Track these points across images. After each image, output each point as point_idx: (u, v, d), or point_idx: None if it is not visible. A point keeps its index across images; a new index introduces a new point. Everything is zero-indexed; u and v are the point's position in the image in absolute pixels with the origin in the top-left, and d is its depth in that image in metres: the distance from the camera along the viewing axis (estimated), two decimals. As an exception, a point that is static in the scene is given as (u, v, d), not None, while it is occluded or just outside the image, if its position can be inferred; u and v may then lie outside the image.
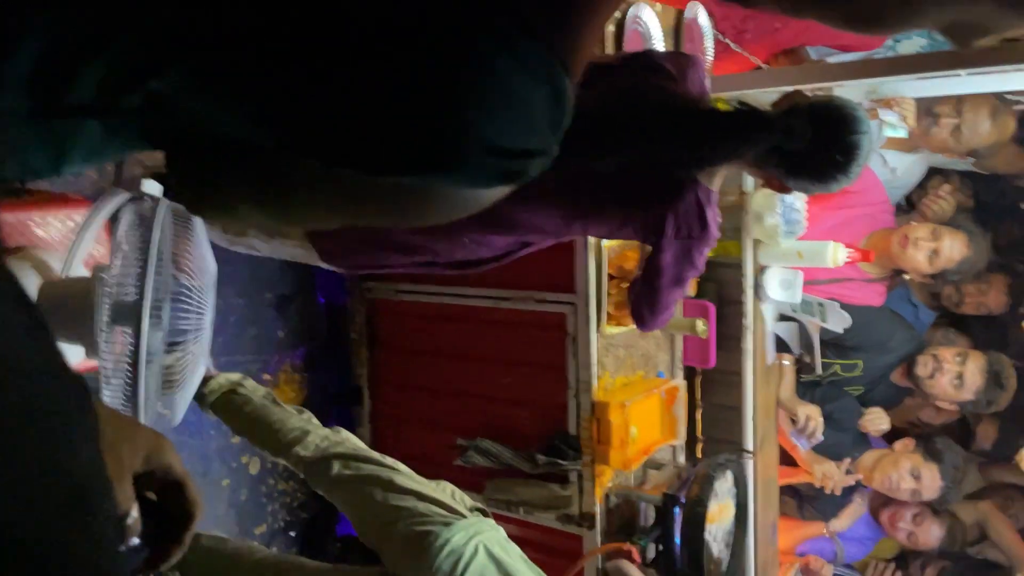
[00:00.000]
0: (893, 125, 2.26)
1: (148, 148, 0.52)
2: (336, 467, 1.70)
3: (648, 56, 1.64)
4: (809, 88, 2.24)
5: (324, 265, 1.91)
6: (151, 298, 1.21)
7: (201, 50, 0.43)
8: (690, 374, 2.66)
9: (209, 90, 0.45)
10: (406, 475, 1.69)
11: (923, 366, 2.52)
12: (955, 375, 2.47)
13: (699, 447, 2.75)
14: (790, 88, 2.10)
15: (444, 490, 1.69)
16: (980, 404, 2.50)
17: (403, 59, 0.43)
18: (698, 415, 2.73)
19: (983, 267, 2.52)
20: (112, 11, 0.43)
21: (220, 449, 2.48)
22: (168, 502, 0.62)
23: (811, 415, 2.56)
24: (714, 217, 1.54)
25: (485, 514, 1.65)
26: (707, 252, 1.58)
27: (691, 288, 2.40)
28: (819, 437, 2.56)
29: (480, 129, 0.44)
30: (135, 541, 0.59)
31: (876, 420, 2.67)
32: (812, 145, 1.36)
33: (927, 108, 2.48)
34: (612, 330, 2.16)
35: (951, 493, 2.55)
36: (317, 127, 0.44)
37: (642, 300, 1.64)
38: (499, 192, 0.50)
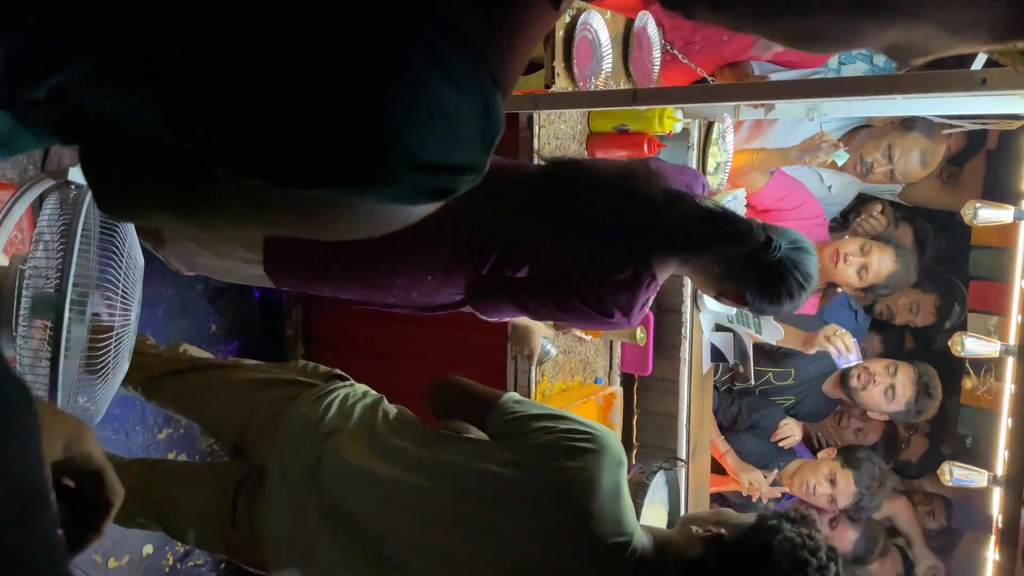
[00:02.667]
0: (838, 159, 2.38)
1: (58, 142, 0.49)
2: (174, 383, 1.68)
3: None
4: (751, 105, 2.29)
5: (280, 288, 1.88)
6: (73, 290, 1.15)
7: (103, 45, 0.40)
8: (627, 381, 2.68)
9: (112, 87, 0.42)
10: (242, 368, 1.69)
11: (856, 378, 2.61)
12: (887, 386, 2.57)
13: (634, 453, 2.79)
14: (733, 104, 2.16)
15: (296, 367, 1.67)
16: (911, 414, 2.61)
17: (323, 65, 0.40)
18: (634, 421, 2.76)
19: (911, 281, 2.62)
20: (7, 3, 0.40)
21: (145, 444, 2.39)
22: (87, 490, 0.60)
23: (753, 482, 2.68)
24: (639, 309, 1.53)
25: (343, 379, 1.63)
26: (602, 326, 1.57)
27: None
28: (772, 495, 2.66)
29: (404, 142, 0.42)
30: None
31: (787, 431, 2.75)
32: (778, 264, 1.42)
33: (859, 158, 2.58)
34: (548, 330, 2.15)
35: (866, 501, 2.62)
36: (226, 132, 0.41)
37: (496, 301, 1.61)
38: (427, 208, 0.48)
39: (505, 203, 1.50)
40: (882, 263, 2.51)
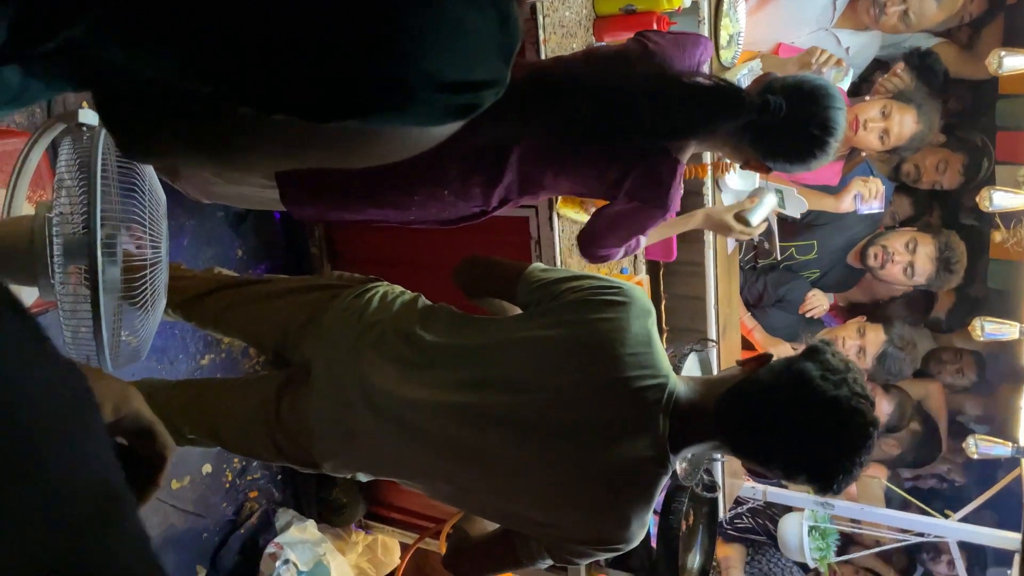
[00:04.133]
0: (842, 76, 2.28)
1: (73, 89, 0.49)
2: (212, 302, 1.72)
3: (647, 34, 1.63)
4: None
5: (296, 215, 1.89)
6: (102, 231, 1.17)
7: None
8: (654, 268, 2.70)
9: (124, 38, 0.41)
10: (278, 280, 1.74)
11: (873, 257, 2.60)
12: (906, 263, 2.55)
13: (664, 337, 2.83)
14: None
15: (331, 275, 1.73)
16: (932, 286, 2.59)
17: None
18: (662, 307, 2.79)
19: (935, 140, 2.56)
20: None
21: (190, 371, 2.47)
22: (139, 448, 0.63)
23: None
24: (678, 192, 1.57)
25: (379, 281, 1.67)
26: (659, 221, 1.61)
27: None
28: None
29: (425, 64, 0.41)
30: None
31: (815, 301, 2.75)
32: (787, 121, 1.39)
33: None
34: (569, 212, 2.15)
35: (895, 358, 2.64)
36: (248, 72, 0.41)
37: (589, 236, 1.72)
38: (452, 127, 0.48)
39: (503, 111, 1.49)
40: (904, 124, 2.44)
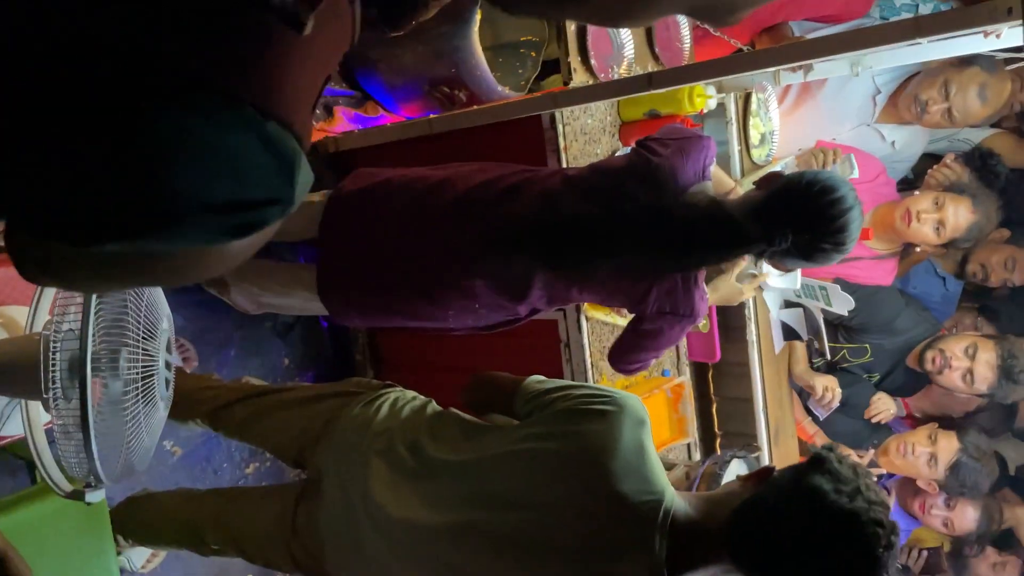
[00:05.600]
0: (848, 169, 2.25)
1: None
2: (238, 410, 1.75)
3: (654, 137, 1.68)
4: (790, 69, 2.19)
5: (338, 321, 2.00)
6: (105, 345, 1.22)
7: None
8: (703, 370, 2.61)
9: None
10: (299, 389, 1.77)
11: (931, 362, 2.44)
12: (965, 370, 2.38)
13: (717, 442, 2.70)
14: (771, 71, 2.06)
15: (349, 382, 1.74)
16: (996, 396, 2.40)
17: (76, 127, 0.41)
18: (713, 409, 2.68)
19: (996, 234, 2.42)
20: None
21: (234, 480, 2.50)
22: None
23: (829, 385, 2.51)
24: (701, 296, 1.62)
25: (394, 387, 1.67)
26: (688, 328, 1.67)
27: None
28: (835, 405, 2.51)
29: (180, 187, 0.43)
30: None
31: (881, 405, 2.59)
32: (799, 239, 1.38)
33: (915, 97, 2.40)
34: (598, 315, 2.12)
35: (969, 468, 2.43)
36: (11, 201, 0.43)
37: (620, 351, 1.76)
38: (248, 244, 0.48)
39: (516, 242, 1.58)
40: (959, 215, 2.33)
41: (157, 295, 1.29)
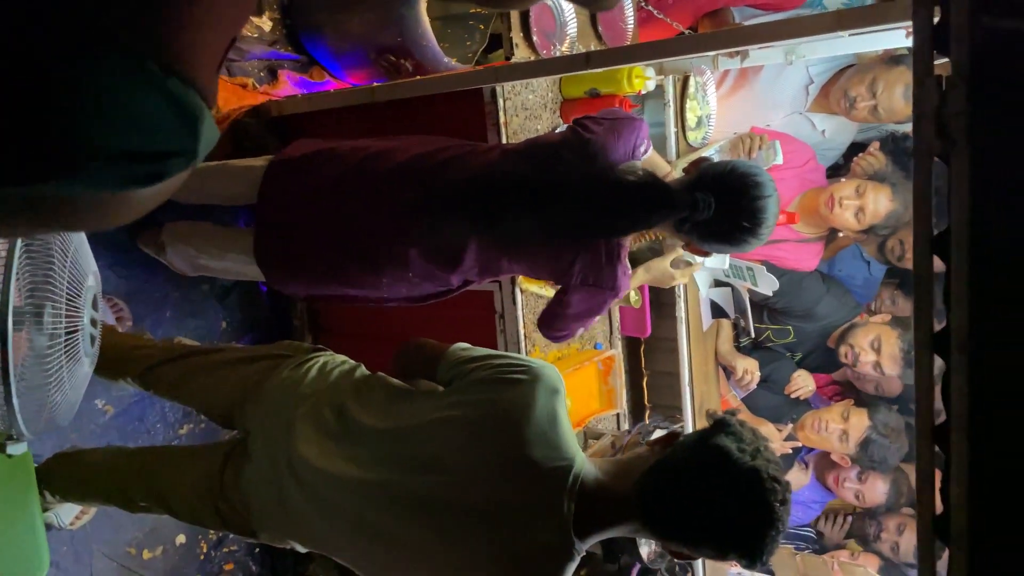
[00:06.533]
0: (772, 155, 2.34)
1: None
2: (169, 370, 1.76)
3: (589, 116, 1.72)
4: (727, 54, 2.25)
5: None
6: (29, 301, 1.22)
7: None
8: (634, 344, 2.69)
9: None
10: (230, 350, 1.79)
11: (844, 356, 2.59)
12: (874, 362, 2.52)
13: (647, 414, 2.80)
14: (710, 56, 2.12)
15: (281, 344, 1.76)
16: (904, 379, 2.54)
17: None
18: (644, 383, 2.77)
19: (911, 217, 2.53)
20: None
21: (167, 441, 2.51)
22: None
23: (748, 368, 2.62)
24: (624, 272, 1.67)
25: (324, 350, 1.70)
26: (611, 302, 1.72)
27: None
28: (753, 387, 2.61)
29: (81, 135, 0.45)
30: None
31: (801, 381, 2.71)
32: (719, 214, 1.46)
33: (844, 92, 2.50)
34: (532, 287, 2.17)
35: (880, 445, 2.57)
36: None
37: (547, 318, 1.80)
38: (153, 193, 0.51)
39: (451, 213, 1.62)
40: (878, 202, 2.45)
41: (84, 251, 1.30)
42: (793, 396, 2.74)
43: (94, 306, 1.33)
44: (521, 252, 1.74)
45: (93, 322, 1.32)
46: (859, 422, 2.57)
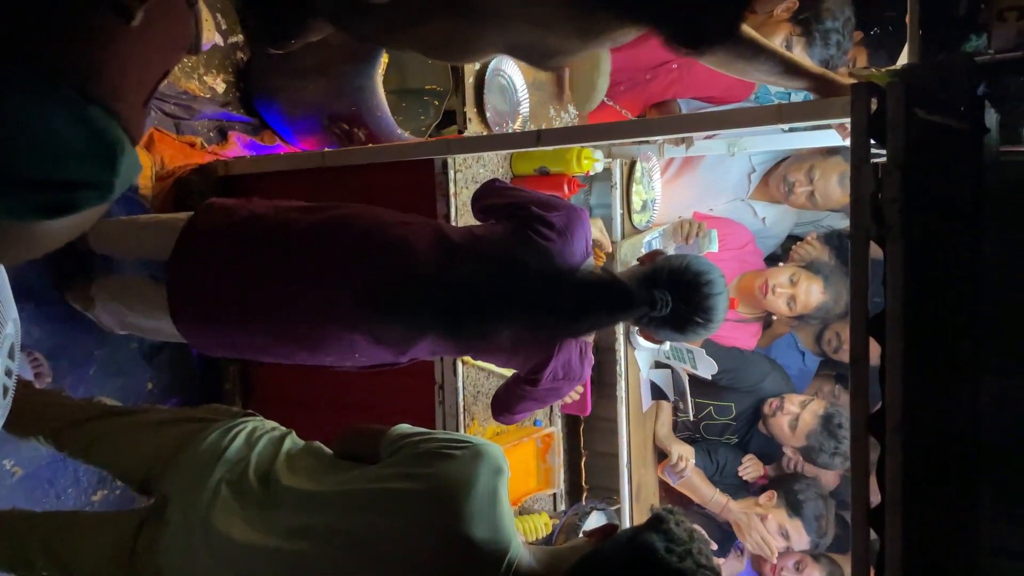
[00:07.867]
0: (707, 243, 2.46)
1: None
2: (86, 430, 1.67)
3: (536, 215, 1.70)
4: (673, 142, 2.33)
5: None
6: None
7: None
8: (575, 422, 2.67)
9: None
10: (152, 412, 1.72)
11: (768, 405, 2.60)
12: (793, 417, 2.54)
13: (584, 495, 2.75)
14: (656, 142, 2.19)
15: (207, 408, 1.68)
16: (813, 451, 2.54)
17: None
18: (582, 463, 2.73)
19: (843, 310, 2.62)
20: None
21: (79, 507, 2.36)
22: None
23: (684, 454, 2.60)
24: (589, 362, 1.74)
25: (254, 415, 1.64)
26: (571, 391, 1.79)
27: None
28: (687, 475, 2.59)
29: None
30: None
31: (751, 467, 2.71)
32: (674, 311, 1.48)
33: (783, 178, 2.60)
34: (476, 362, 2.15)
35: (822, 541, 2.58)
36: None
37: (506, 403, 1.78)
38: (64, 227, 0.49)
39: (404, 312, 1.61)
40: (810, 293, 2.52)
41: (5, 296, 1.24)
42: (744, 477, 2.73)
43: (11, 356, 1.26)
44: (478, 347, 1.75)
45: (8, 372, 1.25)
46: (799, 536, 2.57)
